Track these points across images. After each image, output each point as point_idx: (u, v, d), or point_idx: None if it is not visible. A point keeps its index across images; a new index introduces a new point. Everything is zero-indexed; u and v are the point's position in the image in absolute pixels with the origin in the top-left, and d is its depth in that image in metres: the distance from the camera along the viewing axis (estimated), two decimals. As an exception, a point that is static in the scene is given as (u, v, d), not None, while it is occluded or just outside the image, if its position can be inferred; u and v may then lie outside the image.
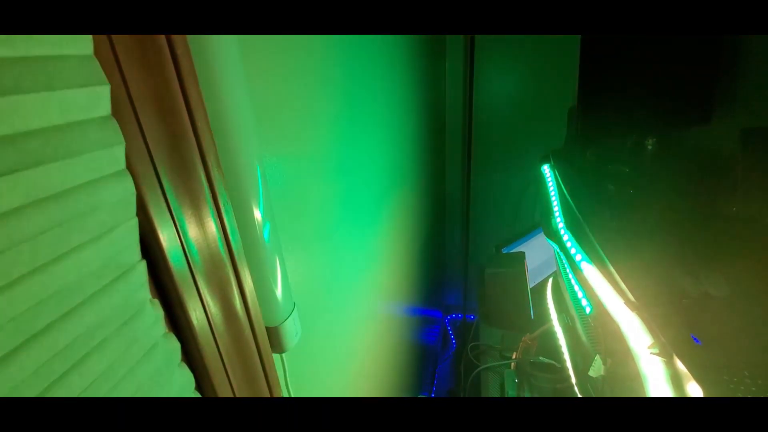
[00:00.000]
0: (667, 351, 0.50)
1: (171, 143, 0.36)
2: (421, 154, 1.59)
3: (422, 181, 1.63)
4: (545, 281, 1.46)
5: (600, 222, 0.84)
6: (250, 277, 0.49)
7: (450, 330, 2.52)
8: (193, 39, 0.38)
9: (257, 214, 0.49)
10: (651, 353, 0.51)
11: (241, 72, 0.44)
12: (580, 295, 0.80)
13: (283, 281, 0.55)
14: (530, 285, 1.51)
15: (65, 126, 0.26)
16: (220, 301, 0.45)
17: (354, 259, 0.93)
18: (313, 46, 0.68)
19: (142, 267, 0.34)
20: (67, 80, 0.26)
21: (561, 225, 0.90)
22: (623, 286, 0.60)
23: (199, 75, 0.38)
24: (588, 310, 0.75)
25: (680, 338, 0.58)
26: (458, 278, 2.44)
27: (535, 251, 1.62)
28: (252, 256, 0.50)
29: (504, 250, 1.59)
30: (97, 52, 0.28)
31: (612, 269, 0.65)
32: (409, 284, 1.51)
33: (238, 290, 0.48)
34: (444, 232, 2.38)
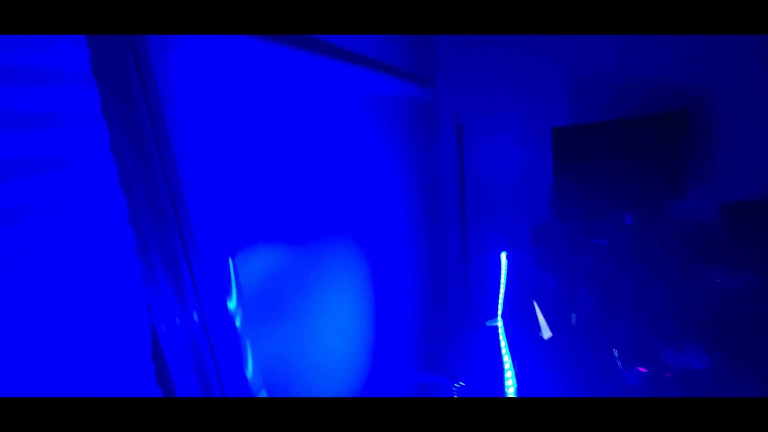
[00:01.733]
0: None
1: (170, 262, 0.59)
2: (419, 233, 1.76)
3: (415, 242, 1.77)
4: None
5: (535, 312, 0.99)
6: (225, 362, 0.68)
7: (455, 398, 2.53)
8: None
9: (231, 306, 0.68)
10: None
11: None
12: (508, 375, 0.94)
13: (254, 364, 0.74)
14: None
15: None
16: (201, 389, 0.65)
17: (337, 333, 1.05)
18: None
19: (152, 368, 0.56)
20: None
21: (500, 311, 1.06)
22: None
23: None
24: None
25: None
26: (463, 343, 2.49)
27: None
28: (225, 343, 0.69)
29: (488, 323, 1.72)
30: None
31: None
32: (405, 352, 1.59)
33: (217, 376, 0.67)
34: (445, 301, 2.49)
